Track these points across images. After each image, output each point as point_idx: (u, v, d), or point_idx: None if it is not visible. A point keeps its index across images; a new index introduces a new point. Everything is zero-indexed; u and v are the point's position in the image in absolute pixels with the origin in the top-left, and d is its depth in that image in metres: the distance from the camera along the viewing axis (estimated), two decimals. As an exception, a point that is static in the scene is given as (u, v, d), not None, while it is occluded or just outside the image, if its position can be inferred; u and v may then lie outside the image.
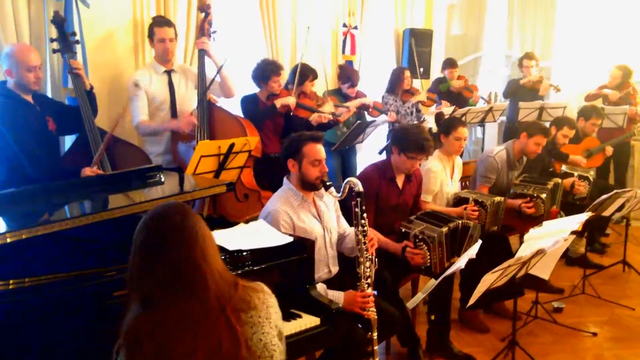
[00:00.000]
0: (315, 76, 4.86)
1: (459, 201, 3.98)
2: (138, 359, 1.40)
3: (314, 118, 4.54)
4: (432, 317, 3.11)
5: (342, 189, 2.70)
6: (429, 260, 3.23)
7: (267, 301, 1.57)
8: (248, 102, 4.44)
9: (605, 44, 6.80)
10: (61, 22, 3.40)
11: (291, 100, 4.37)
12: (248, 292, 1.54)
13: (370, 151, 5.75)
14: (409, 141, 3.44)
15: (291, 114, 4.46)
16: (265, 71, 4.40)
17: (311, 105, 4.61)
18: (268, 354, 1.50)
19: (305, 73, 4.71)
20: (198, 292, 1.45)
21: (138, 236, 1.52)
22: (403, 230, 3.35)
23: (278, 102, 4.30)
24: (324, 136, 3.04)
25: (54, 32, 3.45)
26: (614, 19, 6.79)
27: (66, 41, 3.39)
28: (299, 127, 4.42)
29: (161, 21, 3.93)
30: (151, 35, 3.91)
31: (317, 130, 4.68)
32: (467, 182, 4.68)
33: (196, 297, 1.45)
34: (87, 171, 3.13)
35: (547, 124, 4.98)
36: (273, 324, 1.55)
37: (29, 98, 3.20)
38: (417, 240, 3.25)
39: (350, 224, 2.87)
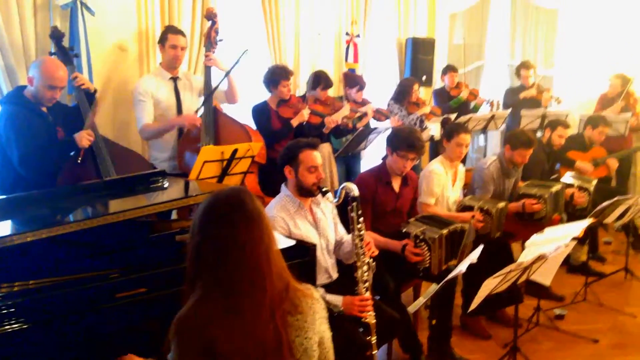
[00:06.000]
0: (326, 85, 4.93)
1: (463, 209, 3.99)
2: (187, 347, 1.44)
3: (329, 122, 4.65)
4: (433, 322, 3.12)
5: (338, 194, 2.72)
6: (428, 261, 3.25)
7: (313, 306, 1.59)
8: (260, 116, 4.51)
9: (607, 52, 6.84)
10: (59, 37, 3.44)
11: (305, 115, 4.49)
12: (298, 296, 1.57)
13: (374, 158, 5.76)
14: (399, 139, 3.51)
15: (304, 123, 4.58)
16: (275, 75, 4.49)
17: (323, 111, 4.74)
18: (307, 359, 1.54)
19: (317, 80, 4.85)
20: (255, 294, 1.48)
21: (206, 228, 1.52)
22: (404, 230, 3.39)
23: (295, 122, 4.45)
24: (319, 142, 3.07)
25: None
26: (615, 28, 6.83)
27: (65, 55, 3.43)
28: (310, 131, 4.49)
29: (176, 30, 4.01)
30: (163, 40, 3.95)
31: (332, 135, 4.78)
32: (467, 190, 4.68)
33: (251, 298, 1.48)
34: (84, 133, 3.15)
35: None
36: (316, 329, 1.58)
37: (43, 108, 3.22)
38: (417, 240, 3.29)
39: (348, 229, 2.89)
